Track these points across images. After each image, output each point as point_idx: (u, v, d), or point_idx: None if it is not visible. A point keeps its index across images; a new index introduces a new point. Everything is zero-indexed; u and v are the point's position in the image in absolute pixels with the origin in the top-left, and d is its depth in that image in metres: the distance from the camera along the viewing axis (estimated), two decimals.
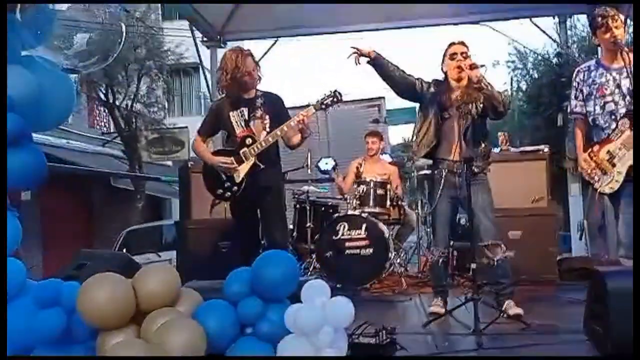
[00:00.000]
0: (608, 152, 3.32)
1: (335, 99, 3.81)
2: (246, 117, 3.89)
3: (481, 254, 3.54)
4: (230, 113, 3.91)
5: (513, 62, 16.49)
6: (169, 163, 15.63)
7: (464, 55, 3.65)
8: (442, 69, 3.78)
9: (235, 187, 3.85)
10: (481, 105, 3.60)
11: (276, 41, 6.30)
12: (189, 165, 5.42)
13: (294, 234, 5.49)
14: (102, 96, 12.80)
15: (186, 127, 14.66)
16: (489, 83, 3.55)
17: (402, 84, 3.80)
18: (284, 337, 2.18)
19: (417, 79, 3.80)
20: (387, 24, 6.41)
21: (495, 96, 3.55)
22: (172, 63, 13.79)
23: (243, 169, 3.84)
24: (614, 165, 3.30)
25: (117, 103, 12.87)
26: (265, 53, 6.20)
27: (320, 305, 2.15)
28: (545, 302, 4.19)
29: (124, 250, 9.82)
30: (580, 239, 6.55)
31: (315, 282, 2.31)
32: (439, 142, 3.70)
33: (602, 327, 2.63)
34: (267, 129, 3.88)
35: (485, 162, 3.71)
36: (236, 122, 3.89)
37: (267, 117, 3.89)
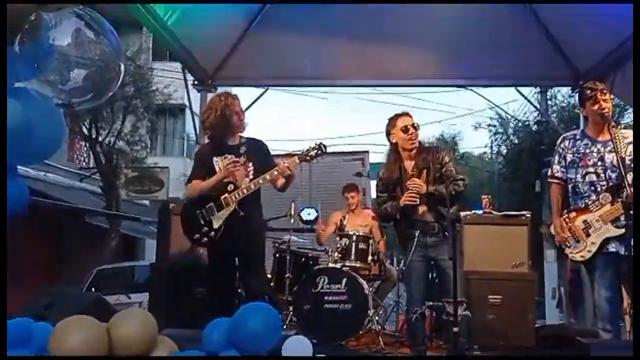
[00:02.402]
0: (584, 221, 3.39)
1: (319, 152, 3.83)
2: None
3: (442, 311, 3.63)
4: (214, 158, 3.89)
5: (494, 126, 16.98)
6: (147, 202, 15.44)
7: (415, 127, 3.82)
8: (390, 140, 3.92)
9: (213, 233, 3.79)
10: (440, 169, 3.79)
11: (266, 90, 6.36)
12: (170, 206, 5.33)
13: (272, 284, 5.38)
14: (85, 131, 12.70)
15: (167, 167, 14.59)
16: (452, 167, 3.80)
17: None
18: None
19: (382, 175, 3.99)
20: (374, 81, 6.54)
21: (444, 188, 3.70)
22: (159, 103, 13.83)
23: (223, 215, 3.79)
24: (588, 235, 3.37)
25: (100, 139, 12.77)
26: (254, 102, 6.24)
27: None
28: None
29: (93, 290, 9.53)
30: (557, 306, 6.55)
31: (298, 339, 2.25)
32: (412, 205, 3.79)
33: None
34: (250, 176, 3.87)
35: (447, 225, 3.75)
36: (219, 168, 3.86)
37: (250, 164, 3.89)
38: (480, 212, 5.36)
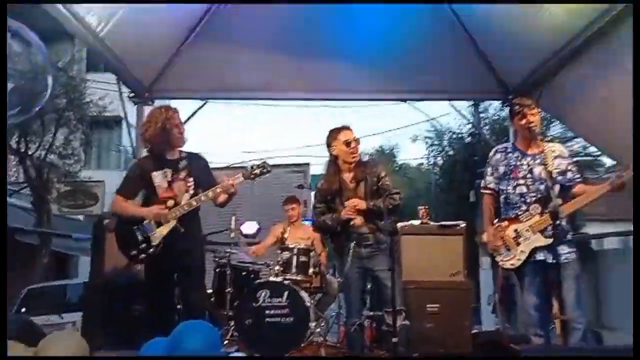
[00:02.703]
0: (515, 230, 3.51)
1: (264, 170, 3.84)
2: (169, 178, 3.80)
3: (382, 321, 3.69)
4: (153, 173, 3.80)
5: (431, 138, 17.45)
6: (80, 217, 14.87)
7: (357, 141, 3.97)
8: (330, 151, 4.04)
9: (152, 250, 3.70)
10: (377, 183, 3.94)
11: (205, 103, 6.29)
12: (105, 222, 5.16)
13: (213, 299, 5.29)
14: (13, 144, 12.12)
15: (102, 181, 14.11)
16: (388, 182, 3.96)
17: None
18: None
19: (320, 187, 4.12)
20: (315, 95, 6.60)
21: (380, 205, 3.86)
22: (93, 115, 13.39)
23: (162, 232, 3.71)
24: (518, 244, 3.50)
25: (30, 152, 12.22)
26: (193, 114, 6.15)
27: None
28: None
29: (23, 310, 9.09)
30: (492, 312, 6.76)
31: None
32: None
33: None
34: (190, 191, 3.81)
35: (384, 237, 3.91)
36: (159, 183, 3.78)
37: (190, 179, 3.83)
38: (418, 222, 5.47)
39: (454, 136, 16.17)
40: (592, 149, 12.38)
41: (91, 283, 5.16)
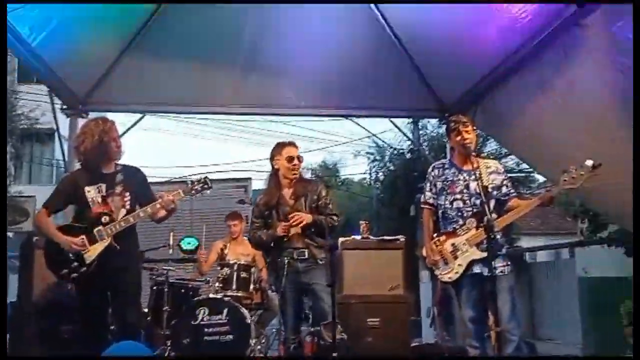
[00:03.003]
0: (453, 244, 3.60)
1: (205, 186, 3.78)
2: (104, 192, 3.66)
3: (320, 335, 3.70)
4: (86, 188, 3.65)
5: (372, 154, 17.68)
6: (10, 234, 14.15)
7: (299, 158, 4.00)
8: (273, 165, 4.06)
9: (85, 268, 3.54)
10: (317, 201, 3.97)
11: (143, 116, 6.14)
12: (34, 240, 4.92)
13: (149, 318, 5.13)
14: None
15: (33, 196, 13.48)
16: (328, 202, 3.99)
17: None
18: None
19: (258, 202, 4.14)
20: (255, 109, 6.56)
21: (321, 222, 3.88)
22: (24, 127, 12.83)
23: (96, 249, 3.55)
24: (455, 258, 3.58)
25: None
26: (130, 127, 6.00)
27: None
28: None
29: None
30: (431, 325, 6.88)
31: None
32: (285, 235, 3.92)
33: None
34: (127, 207, 3.68)
35: (322, 252, 3.92)
36: (92, 197, 3.63)
37: (127, 193, 3.70)
38: (359, 237, 5.52)
39: (395, 152, 16.46)
40: (525, 165, 12.89)
41: (19, 303, 4.91)
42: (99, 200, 3.64)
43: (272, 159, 4.06)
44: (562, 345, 9.70)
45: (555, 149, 4.66)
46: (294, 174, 3.98)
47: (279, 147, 4.05)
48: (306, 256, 3.86)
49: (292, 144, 4.09)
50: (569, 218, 10.95)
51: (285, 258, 3.86)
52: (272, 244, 3.97)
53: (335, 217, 3.95)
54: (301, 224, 3.84)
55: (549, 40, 4.40)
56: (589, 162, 3.26)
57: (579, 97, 4.36)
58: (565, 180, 3.34)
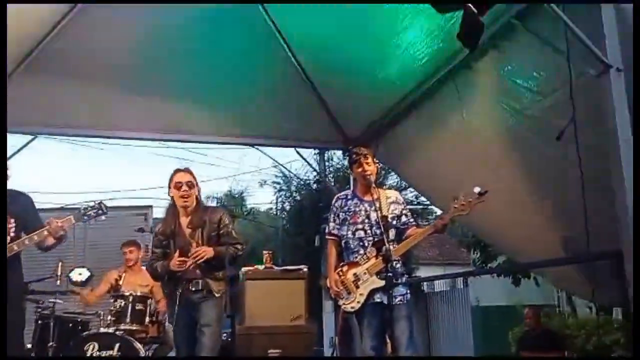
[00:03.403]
0: (354, 274, 3.64)
1: (99, 211, 3.60)
2: None
3: None
4: None
5: (279, 183, 17.76)
6: None
7: (189, 185, 3.88)
8: (169, 193, 3.96)
9: None
10: (217, 230, 3.84)
11: (34, 138, 5.78)
12: None
13: (33, 354, 4.75)
14: None
15: None
16: (230, 229, 3.88)
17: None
18: None
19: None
20: (160, 135, 6.38)
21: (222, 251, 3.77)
22: None
23: None
24: (357, 287, 3.62)
25: None
26: (20, 149, 5.62)
27: None
28: None
29: None
30: (332, 355, 6.90)
31: None
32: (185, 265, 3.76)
33: None
34: (12, 234, 3.44)
35: (219, 284, 3.80)
36: None
37: (12, 220, 3.46)
38: (262, 267, 5.48)
39: (301, 182, 16.65)
40: (423, 198, 13.46)
41: None
42: None
43: (168, 187, 3.94)
44: None
45: (450, 182, 4.91)
46: (185, 201, 3.83)
47: (172, 175, 3.94)
48: (200, 287, 3.72)
49: (180, 170, 3.95)
50: (463, 249, 11.52)
51: (179, 289, 3.72)
52: (165, 277, 3.82)
53: (239, 247, 3.83)
54: (202, 259, 3.71)
55: (444, 80, 4.68)
56: (477, 189, 3.44)
57: (471, 134, 4.65)
58: (455, 207, 3.49)
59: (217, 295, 3.73)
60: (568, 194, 3.73)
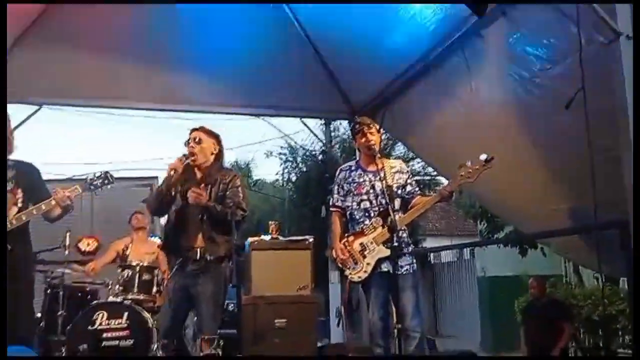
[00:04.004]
0: (361, 244, 3.63)
1: (106, 181, 3.57)
2: None
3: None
4: None
5: (285, 154, 17.68)
6: None
7: (197, 140, 3.75)
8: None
9: None
10: (224, 190, 3.71)
11: (39, 108, 5.76)
12: None
13: (42, 323, 4.83)
14: None
15: None
16: (238, 192, 3.73)
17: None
18: None
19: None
20: (162, 105, 6.33)
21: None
22: None
23: None
24: (364, 257, 3.61)
25: None
26: (25, 120, 5.60)
27: None
28: None
29: None
30: (338, 325, 6.96)
31: None
32: (182, 228, 3.67)
33: None
34: (19, 204, 3.45)
35: (220, 249, 3.66)
36: None
37: (19, 190, 3.46)
38: (268, 237, 5.49)
39: (307, 153, 16.57)
40: (430, 169, 13.41)
41: None
42: None
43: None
44: (462, 341, 10.19)
45: (458, 152, 4.87)
46: (191, 155, 3.71)
47: (190, 133, 3.83)
48: (199, 256, 3.60)
49: (197, 128, 3.85)
50: (469, 219, 11.49)
51: (177, 259, 3.66)
52: (163, 195, 3.70)
53: (240, 212, 3.65)
54: (195, 198, 3.55)
55: (453, 49, 4.60)
56: (483, 156, 3.38)
57: (479, 103, 4.59)
58: (462, 175, 3.45)
59: (215, 266, 3.62)
60: (576, 163, 3.70)
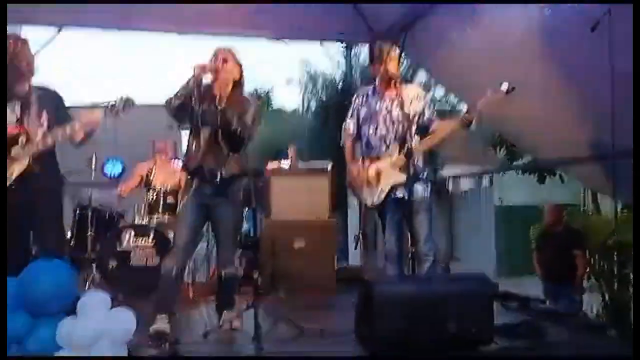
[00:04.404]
0: (376, 169, 3.65)
1: (127, 103, 3.60)
2: (18, 113, 3.46)
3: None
4: None
5: (305, 82, 17.48)
6: None
7: (224, 58, 3.59)
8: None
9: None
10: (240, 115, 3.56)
11: (60, 30, 5.73)
12: None
13: (72, 243, 5.04)
14: None
15: None
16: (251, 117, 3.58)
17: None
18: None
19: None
20: (183, 29, 6.26)
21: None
22: None
23: (12, 172, 3.40)
24: (379, 182, 3.64)
25: None
26: (46, 44, 5.60)
27: (96, 319, 2.02)
28: (324, 308, 4.48)
29: None
30: (355, 248, 7.14)
31: (93, 294, 2.16)
32: (197, 147, 3.59)
33: (369, 329, 2.90)
34: (44, 128, 3.52)
35: (238, 170, 3.57)
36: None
37: (44, 115, 3.53)
38: (287, 161, 5.56)
39: (327, 80, 16.35)
40: (452, 98, 13.20)
41: None
42: (13, 120, 3.46)
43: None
44: (477, 266, 10.41)
45: (480, 79, 4.78)
46: (217, 72, 3.54)
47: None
48: (212, 175, 3.50)
49: (225, 49, 3.66)
50: (489, 148, 11.43)
51: (194, 179, 3.57)
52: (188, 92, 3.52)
53: (240, 130, 3.48)
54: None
55: None
56: (504, 87, 3.34)
57: (502, 29, 4.47)
58: (482, 103, 3.42)
59: (231, 187, 3.56)
60: (597, 89, 3.64)
